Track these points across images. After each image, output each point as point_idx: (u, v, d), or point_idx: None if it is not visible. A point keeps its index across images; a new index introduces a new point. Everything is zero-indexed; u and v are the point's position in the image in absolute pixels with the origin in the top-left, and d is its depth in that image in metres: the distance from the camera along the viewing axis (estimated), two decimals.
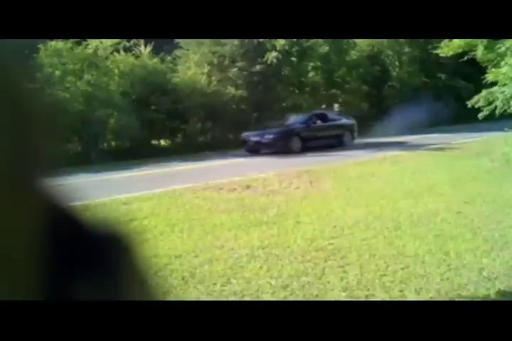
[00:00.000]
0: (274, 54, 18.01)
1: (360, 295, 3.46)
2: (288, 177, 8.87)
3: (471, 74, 17.07)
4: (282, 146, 13.77)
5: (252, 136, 14.37)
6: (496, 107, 8.91)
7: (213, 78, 18.45)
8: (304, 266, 4.11)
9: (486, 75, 9.45)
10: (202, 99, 17.12)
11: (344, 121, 16.11)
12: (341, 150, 13.52)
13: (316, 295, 3.50)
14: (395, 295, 3.44)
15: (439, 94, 21.67)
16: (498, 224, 5.13)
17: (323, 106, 19.70)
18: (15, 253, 0.35)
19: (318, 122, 15.24)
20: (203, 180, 8.68)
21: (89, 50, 15.21)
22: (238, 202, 6.85)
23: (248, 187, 8.08)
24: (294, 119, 15.43)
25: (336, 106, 20.37)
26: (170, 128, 16.91)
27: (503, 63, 8.93)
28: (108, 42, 15.55)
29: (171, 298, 3.39)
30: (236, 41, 18.04)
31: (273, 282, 3.77)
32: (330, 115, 16.28)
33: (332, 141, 15.04)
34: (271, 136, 13.93)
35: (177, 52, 18.98)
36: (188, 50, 19.01)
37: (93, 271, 0.40)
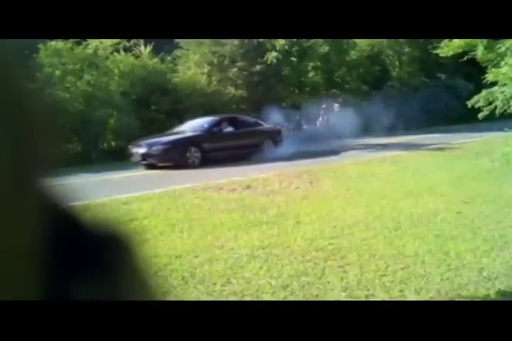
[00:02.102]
0: (274, 54, 18.01)
1: (360, 295, 3.46)
2: (288, 177, 8.86)
3: (471, 74, 17.07)
4: (175, 159, 11.36)
5: (138, 147, 11.69)
6: (495, 107, 8.91)
7: (213, 78, 18.45)
8: (303, 266, 4.11)
9: (486, 75, 9.45)
10: (202, 99, 17.13)
11: (265, 127, 13.77)
12: (341, 151, 13.47)
13: (316, 295, 3.50)
14: (395, 295, 3.44)
15: (439, 94, 21.66)
16: (498, 224, 5.13)
17: (323, 106, 19.68)
18: (15, 253, 0.35)
19: (229, 129, 12.76)
20: (203, 181, 8.68)
21: (89, 50, 15.20)
22: (238, 202, 6.85)
23: (248, 187, 8.08)
24: (195, 125, 12.83)
25: (336, 106, 20.35)
26: (170, 128, 16.90)
27: (503, 63, 8.93)
28: (108, 42, 15.54)
29: (171, 298, 3.39)
30: (236, 41, 18.03)
31: (273, 282, 3.77)
32: (245, 120, 13.75)
33: (244, 152, 12.24)
34: (160, 147, 11.40)
35: (177, 52, 18.98)
36: (188, 50, 19.01)
37: (93, 271, 0.40)
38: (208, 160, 11.50)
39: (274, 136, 13.62)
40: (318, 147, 13.58)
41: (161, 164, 11.27)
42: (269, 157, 12.04)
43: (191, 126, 12.76)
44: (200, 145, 11.83)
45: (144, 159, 11.40)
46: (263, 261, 4.31)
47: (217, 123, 12.70)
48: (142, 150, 11.43)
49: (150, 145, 11.43)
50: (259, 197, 7.27)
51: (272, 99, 18.26)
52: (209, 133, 12.27)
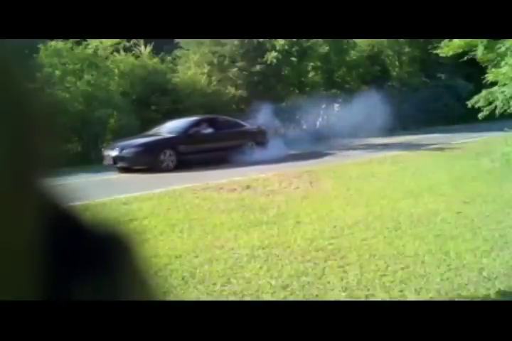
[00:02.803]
0: (274, 54, 18.00)
1: (360, 295, 3.46)
2: (288, 177, 8.86)
3: (471, 74, 17.06)
4: (148, 162, 10.79)
5: (110, 149, 11.15)
6: (495, 107, 8.91)
7: (213, 78, 18.44)
8: (304, 266, 4.11)
9: (486, 75, 9.44)
10: (202, 99, 17.13)
11: (248, 128, 13.00)
12: (341, 150, 13.47)
13: (316, 295, 3.50)
14: (395, 295, 3.44)
15: (439, 94, 21.66)
16: (498, 224, 5.13)
17: (323, 106, 19.68)
18: (15, 253, 0.35)
19: (208, 130, 12.11)
20: (203, 181, 8.68)
21: (89, 50, 15.19)
22: (238, 202, 6.85)
23: (248, 187, 8.08)
24: (172, 127, 12.18)
25: (336, 106, 20.35)
26: None
27: (503, 63, 8.93)
28: (108, 42, 15.53)
29: (171, 298, 3.39)
30: (236, 41, 18.03)
31: (273, 282, 3.77)
32: (227, 121, 13.01)
33: (224, 154, 11.61)
34: (132, 150, 10.81)
35: (177, 52, 18.98)
36: (188, 50, 19.01)
37: (93, 271, 0.40)
38: (184, 164, 10.95)
39: (258, 138, 12.88)
40: (314, 148, 13.56)
41: (133, 167, 10.66)
42: (252, 159, 11.33)
43: (168, 128, 12.17)
44: (175, 147, 11.27)
45: (115, 162, 10.84)
46: (263, 261, 4.31)
47: (195, 125, 12.09)
48: (114, 153, 10.88)
49: (122, 148, 10.85)
50: (259, 197, 7.27)
51: (272, 99, 18.25)
52: (185, 135, 11.67)
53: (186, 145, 11.40)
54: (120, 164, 10.77)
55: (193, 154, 11.31)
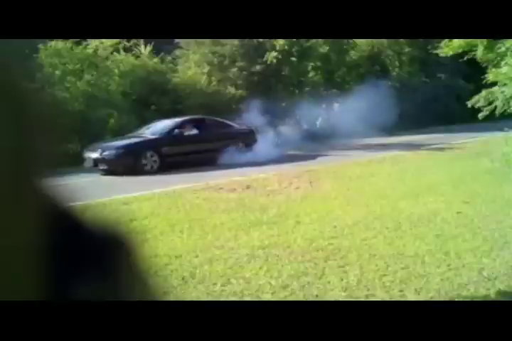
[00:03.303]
0: (274, 54, 18.00)
1: (360, 295, 3.46)
2: (288, 177, 8.86)
3: (471, 74, 17.06)
4: (129, 164, 10.43)
5: (91, 151, 10.72)
6: (495, 107, 8.91)
7: (213, 78, 18.44)
8: (304, 266, 4.11)
9: (486, 75, 9.45)
10: (202, 99, 17.13)
11: (236, 129, 12.67)
12: (341, 150, 13.46)
13: (316, 295, 3.50)
14: (395, 295, 3.44)
15: (439, 94, 21.66)
16: (498, 224, 5.13)
17: (323, 106, 19.68)
18: (15, 253, 0.35)
19: (193, 132, 11.80)
20: (203, 180, 8.69)
21: (89, 50, 15.20)
22: (238, 202, 6.85)
23: (248, 187, 8.08)
24: (156, 128, 11.89)
25: (336, 106, 20.35)
26: None
27: (503, 63, 8.93)
28: (108, 42, 15.54)
29: (171, 298, 3.39)
30: (236, 41, 18.02)
31: (273, 282, 3.77)
32: (214, 122, 12.57)
33: (209, 156, 11.32)
34: (113, 152, 10.45)
35: (177, 52, 18.98)
36: (188, 50, 19.02)
37: (93, 271, 0.40)
38: (168, 166, 10.58)
39: (246, 138, 12.48)
40: (314, 148, 13.52)
41: (114, 170, 10.29)
42: (240, 161, 10.96)
43: (152, 129, 11.88)
44: (158, 149, 10.92)
45: (96, 164, 10.47)
46: (263, 261, 4.31)
47: (179, 126, 11.74)
48: (94, 154, 10.49)
49: (103, 150, 10.51)
50: (259, 197, 7.27)
51: (272, 99, 18.25)
52: (169, 137, 11.35)
53: (170, 147, 11.09)
54: (101, 166, 10.43)
55: (176, 156, 11.03)
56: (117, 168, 10.29)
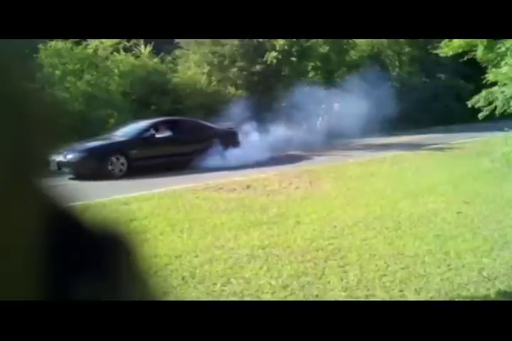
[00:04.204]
0: (274, 54, 18.01)
1: (360, 295, 3.46)
2: (288, 177, 8.87)
3: (471, 74, 17.07)
4: (93, 168, 9.81)
5: (57, 154, 9.46)
6: (496, 107, 8.92)
7: (213, 78, 18.45)
8: (304, 266, 4.11)
9: (486, 75, 9.45)
10: (202, 99, 17.14)
11: (215, 130, 11.95)
12: (341, 150, 13.46)
13: (316, 295, 3.50)
14: (395, 295, 3.44)
15: (439, 94, 21.67)
16: (498, 224, 5.13)
17: (323, 106, 19.69)
18: (15, 253, 0.35)
19: (167, 133, 11.10)
20: (203, 180, 8.69)
21: (89, 50, 15.22)
22: (238, 202, 6.85)
23: (248, 187, 8.08)
24: (126, 130, 11.21)
25: (337, 105, 20.35)
26: None
27: (503, 63, 8.94)
28: (108, 42, 15.55)
29: (171, 298, 3.39)
30: (236, 41, 18.03)
31: (273, 282, 3.77)
32: (190, 123, 11.90)
33: (183, 159, 10.75)
34: (76, 155, 9.70)
35: (177, 52, 18.99)
36: (188, 50, 19.02)
37: (93, 271, 0.40)
38: (136, 170, 9.95)
39: (226, 140, 11.75)
40: (314, 148, 13.48)
41: (78, 173, 9.66)
42: (218, 164, 10.47)
43: (122, 131, 11.20)
44: (126, 152, 10.26)
45: (59, 168, 9.54)
46: (263, 261, 4.31)
47: (151, 128, 11.07)
48: (59, 158, 9.58)
49: (67, 152, 9.67)
50: (259, 197, 7.27)
51: (271, 99, 18.26)
52: (139, 139, 10.65)
53: (140, 150, 10.44)
54: (64, 170, 9.63)
55: (147, 160, 10.37)
56: (81, 172, 9.67)
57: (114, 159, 10.08)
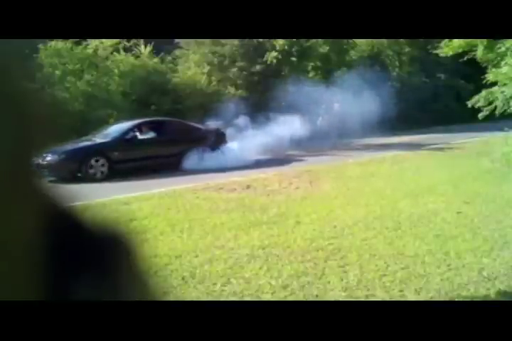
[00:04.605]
0: (274, 54, 18.02)
1: (360, 295, 3.46)
2: (288, 177, 8.87)
3: (471, 74, 17.07)
4: (72, 170, 9.52)
5: (40, 156, 9.33)
6: (496, 107, 8.92)
7: (213, 78, 18.45)
8: (304, 266, 4.11)
9: (486, 75, 9.45)
10: (202, 99, 17.14)
11: (201, 131, 11.62)
12: (341, 150, 13.45)
13: (316, 295, 3.50)
14: (395, 295, 3.44)
15: (439, 94, 21.67)
16: (498, 224, 5.13)
17: (323, 106, 19.69)
18: (16, 253, 0.35)
19: (150, 134, 10.84)
20: (203, 180, 8.69)
21: (89, 50, 15.22)
22: (238, 202, 6.85)
23: (248, 187, 8.08)
24: (108, 131, 10.92)
25: (336, 105, 20.36)
26: None
27: (503, 63, 8.94)
28: (108, 42, 15.56)
29: (171, 298, 3.39)
30: (236, 41, 18.04)
31: (273, 282, 3.77)
32: (175, 124, 11.59)
33: (167, 161, 10.47)
34: (55, 157, 9.22)
35: (177, 52, 18.99)
36: (188, 50, 19.03)
37: (93, 271, 0.40)
38: (118, 173, 9.66)
39: (213, 141, 11.43)
40: (314, 147, 13.48)
41: (57, 176, 9.11)
42: (203, 166, 10.23)
43: (104, 132, 10.86)
44: (107, 154, 9.95)
45: (39, 170, 9.33)
46: (263, 261, 4.31)
47: (133, 129, 10.74)
48: (38, 160, 9.29)
49: (46, 154, 9.07)
50: (259, 197, 7.27)
51: (271, 99, 18.25)
52: (121, 141, 10.33)
53: (122, 152, 10.11)
54: (43, 172, 9.08)
55: (129, 162, 10.06)
56: (59, 174, 9.17)
57: (93, 161, 9.77)
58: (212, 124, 12.30)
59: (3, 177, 0.34)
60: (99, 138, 10.54)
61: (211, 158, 10.84)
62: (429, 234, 4.95)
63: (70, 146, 9.88)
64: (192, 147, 10.94)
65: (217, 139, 11.63)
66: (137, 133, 10.73)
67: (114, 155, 10.02)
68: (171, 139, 10.87)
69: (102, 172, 9.85)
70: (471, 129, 15.42)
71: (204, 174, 9.53)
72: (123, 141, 10.37)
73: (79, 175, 9.47)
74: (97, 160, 9.82)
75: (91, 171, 9.72)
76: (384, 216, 5.73)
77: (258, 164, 10.98)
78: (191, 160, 10.69)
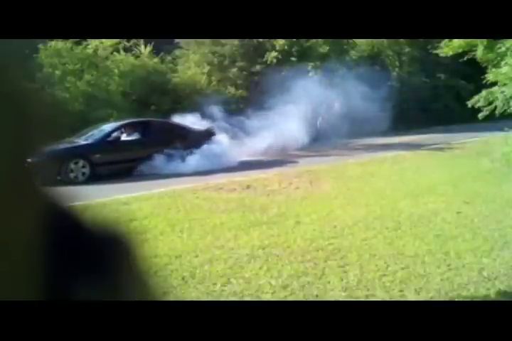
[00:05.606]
0: (274, 54, 18.02)
1: (360, 295, 3.46)
2: (288, 177, 8.86)
3: (471, 74, 17.06)
4: (51, 173, 8.37)
5: None
6: (496, 107, 8.91)
7: (213, 78, 18.45)
8: (304, 266, 4.11)
9: (486, 75, 9.45)
10: (202, 99, 17.15)
11: (190, 132, 11.15)
12: (341, 150, 13.44)
13: (316, 295, 3.50)
14: (395, 295, 3.44)
15: (439, 94, 21.66)
16: (498, 224, 5.13)
17: (323, 106, 19.69)
18: (16, 253, 0.35)
19: (134, 136, 10.55)
20: (203, 180, 8.69)
21: (89, 50, 15.22)
22: (238, 202, 6.84)
23: (248, 187, 8.08)
24: (91, 132, 10.51)
25: (337, 105, 20.35)
26: None
27: (503, 63, 8.93)
28: (108, 42, 15.55)
29: (171, 298, 3.39)
30: (236, 41, 18.04)
31: (273, 282, 3.77)
32: (162, 125, 11.27)
33: (152, 163, 10.11)
34: (33, 159, 9.98)
35: (177, 52, 18.99)
36: (188, 50, 19.03)
37: (93, 271, 0.40)
38: (100, 175, 9.37)
39: (202, 142, 10.99)
40: (314, 147, 13.47)
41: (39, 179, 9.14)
42: (190, 168, 9.92)
43: (86, 134, 10.46)
44: (88, 156, 9.60)
45: None
46: (263, 261, 4.31)
47: (116, 130, 10.45)
48: None
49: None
50: (259, 197, 7.27)
51: (271, 99, 18.23)
52: (103, 142, 10.02)
53: (104, 154, 9.77)
54: None
55: (112, 164, 9.69)
56: (40, 177, 8.97)
57: (72, 164, 9.43)
58: (203, 124, 11.95)
59: (3, 177, 0.34)
60: (81, 140, 10.22)
61: (197, 159, 10.49)
62: (429, 234, 4.95)
63: (47, 149, 9.47)
64: (177, 148, 10.51)
65: (205, 139, 11.21)
66: (119, 135, 10.46)
67: (95, 157, 9.72)
68: (155, 140, 10.46)
69: (84, 174, 9.55)
70: (471, 129, 15.41)
71: (204, 174, 9.54)
72: (105, 142, 10.09)
73: (58, 178, 8.95)
74: (75, 163, 9.51)
75: (71, 174, 9.38)
76: (384, 216, 5.73)
77: (258, 164, 10.98)
78: (177, 161, 10.33)
